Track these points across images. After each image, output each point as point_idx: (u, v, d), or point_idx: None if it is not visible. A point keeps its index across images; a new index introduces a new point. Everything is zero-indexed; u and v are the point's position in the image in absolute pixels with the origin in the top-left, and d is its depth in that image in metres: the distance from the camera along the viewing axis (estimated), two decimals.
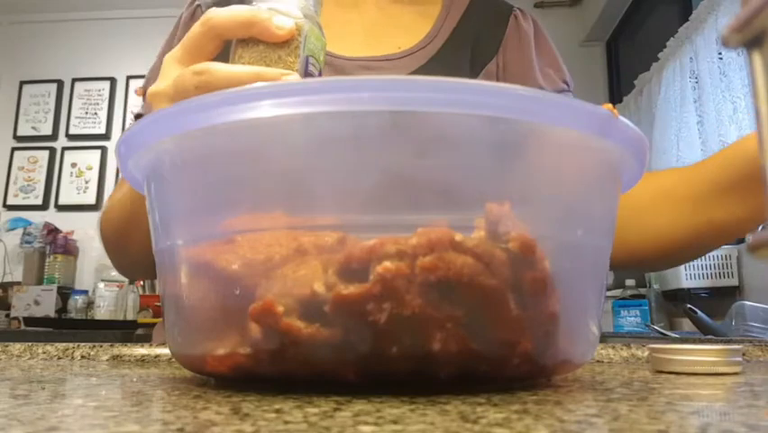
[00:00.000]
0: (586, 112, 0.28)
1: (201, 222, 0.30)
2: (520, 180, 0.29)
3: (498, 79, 0.70)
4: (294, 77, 0.37)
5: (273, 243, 0.27)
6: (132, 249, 0.64)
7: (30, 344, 0.50)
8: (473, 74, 0.69)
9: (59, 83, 3.30)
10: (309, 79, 0.26)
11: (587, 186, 0.31)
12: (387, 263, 0.25)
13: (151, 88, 0.42)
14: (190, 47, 0.41)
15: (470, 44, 0.71)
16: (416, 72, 0.67)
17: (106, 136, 3.25)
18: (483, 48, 0.72)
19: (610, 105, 0.29)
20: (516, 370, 0.27)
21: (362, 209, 0.27)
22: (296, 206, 0.28)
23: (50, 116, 3.27)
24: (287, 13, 0.40)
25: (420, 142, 0.27)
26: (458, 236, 0.25)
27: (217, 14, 0.40)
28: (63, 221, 3.08)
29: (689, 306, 1.63)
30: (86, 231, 2.98)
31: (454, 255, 0.25)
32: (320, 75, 0.42)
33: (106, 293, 2.77)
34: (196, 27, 0.41)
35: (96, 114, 3.28)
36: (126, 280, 2.81)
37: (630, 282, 2.30)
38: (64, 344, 0.50)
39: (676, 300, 2.10)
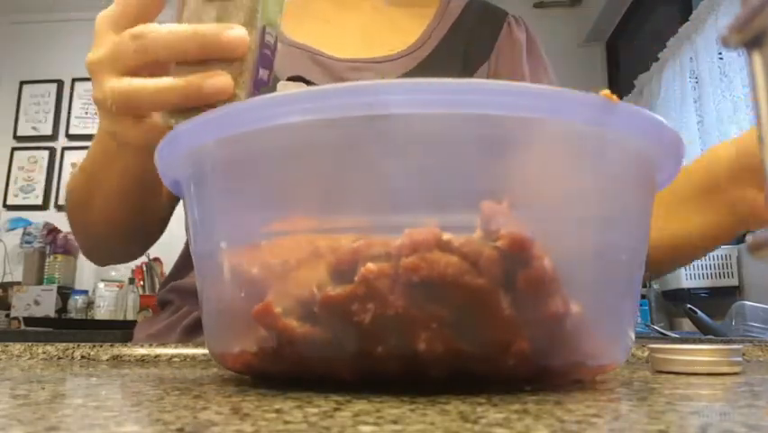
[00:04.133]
0: (581, 102, 0.28)
1: (238, 226, 0.31)
2: (536, 179, 0.28)
3: None
4: (238, 30, 0.33)
5: (293, 246, 0.27)
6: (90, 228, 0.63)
7: (30, 344, 0.50)
8: (465, 76, 0.70)
9: (59, 83, 3.30)
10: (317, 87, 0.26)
11: (609, 185, 0.30)
12: (370, 264, 0.25)
13: (89, 57, 0.37)
14: (126, 5, 0.36)
15: (462, 48, 0.71)
16: (407, 74, 0.67)
17: None
18: (475, 52, 0.72)
19: (608, 92, 0.27)
20: (514, 370, 0.26)
21: (388, 211, 0.27)
22: (326, 208, 0.28)
23: (50, 116, 3.27)
24: None
25: (444, 145, 0.27)
26: (445, 236, 0.25)
27: None
28: (63, 221, 3.06)
29: (689, 306, 1.63)
30: None
31: (439, 255, 0.25)
32: (275, 42, 0.37)
33: (106, 293, 2.77)
34: None
35: (96, 114, 3.27)
36: (126, 280, 2.81)
37: None
38: (64, 344, 0.50)
39: (676, 300, 2.09)
